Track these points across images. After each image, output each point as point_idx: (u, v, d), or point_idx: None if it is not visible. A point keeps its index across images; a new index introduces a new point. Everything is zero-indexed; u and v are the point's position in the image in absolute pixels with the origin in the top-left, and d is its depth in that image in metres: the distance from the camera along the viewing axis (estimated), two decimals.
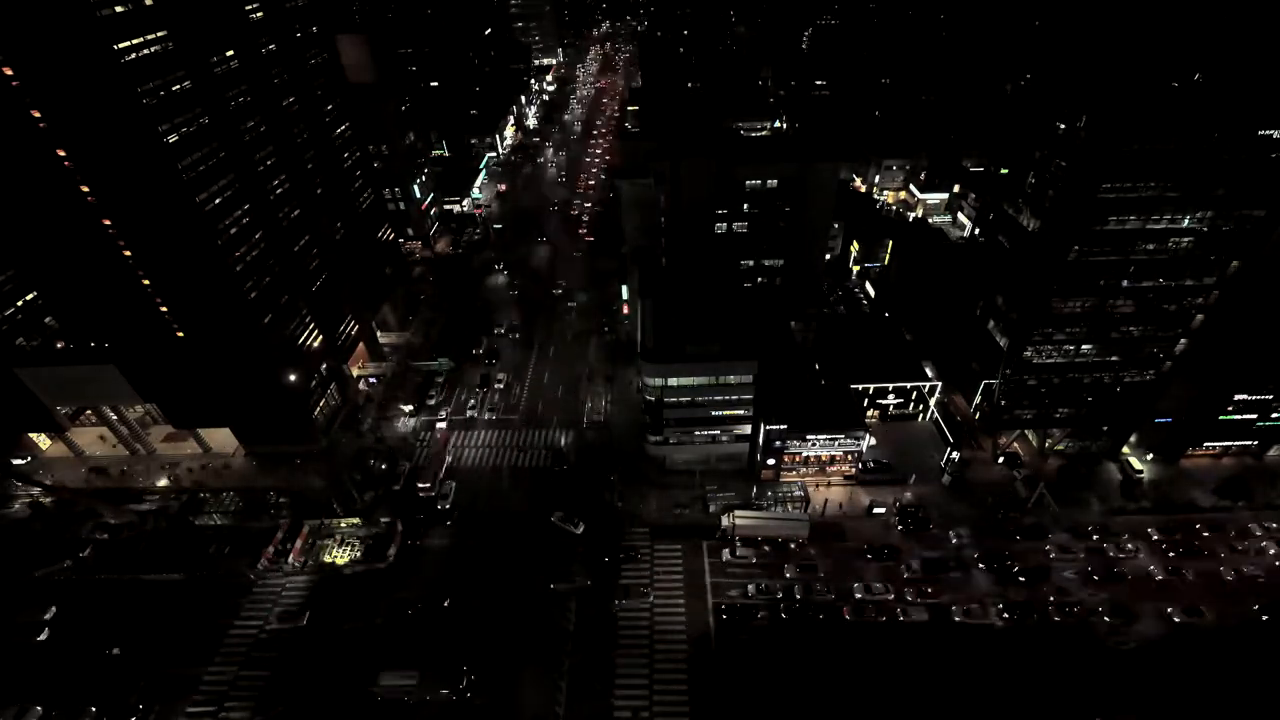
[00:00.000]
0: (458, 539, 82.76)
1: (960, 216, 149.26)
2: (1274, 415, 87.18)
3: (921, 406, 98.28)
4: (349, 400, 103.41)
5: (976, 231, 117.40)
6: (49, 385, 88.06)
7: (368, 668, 68.16)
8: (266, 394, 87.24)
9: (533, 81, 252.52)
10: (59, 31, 59.79)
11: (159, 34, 67.04)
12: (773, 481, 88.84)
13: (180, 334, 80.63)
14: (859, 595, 74.99)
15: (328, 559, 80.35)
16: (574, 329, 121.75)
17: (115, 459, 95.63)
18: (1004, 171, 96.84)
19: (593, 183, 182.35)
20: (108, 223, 71.71)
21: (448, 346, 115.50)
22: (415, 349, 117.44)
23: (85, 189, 69.06)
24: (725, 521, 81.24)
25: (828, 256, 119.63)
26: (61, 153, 66.64)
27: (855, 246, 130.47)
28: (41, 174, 67.79)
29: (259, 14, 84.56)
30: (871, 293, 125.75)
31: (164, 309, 78.72)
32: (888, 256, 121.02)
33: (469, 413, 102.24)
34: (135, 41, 64.16)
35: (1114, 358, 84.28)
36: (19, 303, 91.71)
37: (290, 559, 79.84)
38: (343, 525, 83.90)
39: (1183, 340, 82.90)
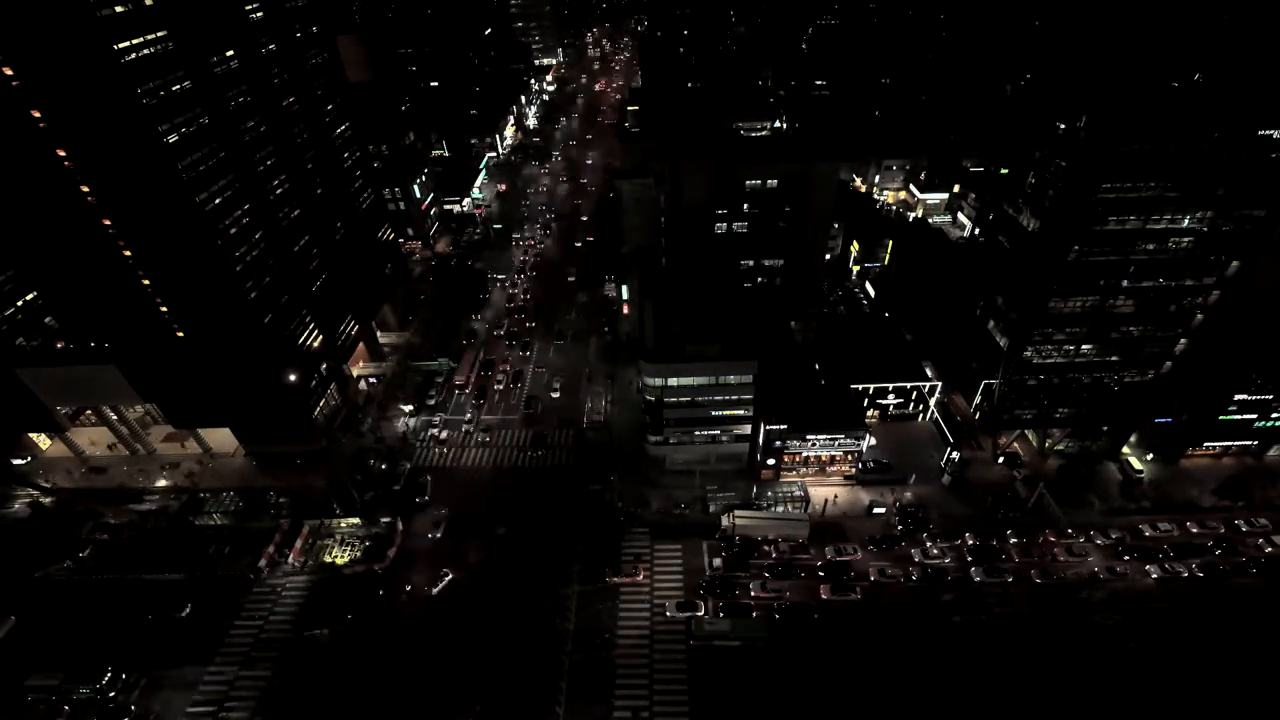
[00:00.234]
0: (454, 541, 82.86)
1: (960, 216, 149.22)
2: (1274, 415, 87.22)
3: (921, 406, 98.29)
4: (349, 400, 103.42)
5: (976, 231, 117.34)
6: (49, 385, 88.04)
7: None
8: (266, 394, 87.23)
9: (533, 81, 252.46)
10: (59, 31, 59.78)
11: (159, 34, 67.04)
12: (773, 481, 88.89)
13: (180, 334, 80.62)
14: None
15: (328, 559, 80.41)
16: (574, 328, 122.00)
17: (115, 459, 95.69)
18: (1004, 171, 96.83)
19: (591, 187, 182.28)
20: (108, 223, 71.69)
21: (447, 347, 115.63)
22: (415, 349, 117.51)
23: (85, 189, 69.05)
24: (725, 521, 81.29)
25: (828, 256, 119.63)
26: (61, 153, 66.61)
27: (855, 246, 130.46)
28: (41, 174, 67.78)
29: (259, 14, 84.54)
30: (871, 293, 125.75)
31: (164, 309, 78.71)
32: (888, 256, 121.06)
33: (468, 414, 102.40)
34: (135, 41, 64.14)
35: (1114, 358, 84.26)
36: (19, 303, 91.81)
37: (290, 559, 79.89)
38: (343, 525, 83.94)
39: (1183, 340, 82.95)
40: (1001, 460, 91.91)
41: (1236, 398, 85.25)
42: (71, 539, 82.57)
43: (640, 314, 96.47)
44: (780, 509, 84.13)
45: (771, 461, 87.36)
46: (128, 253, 74.07)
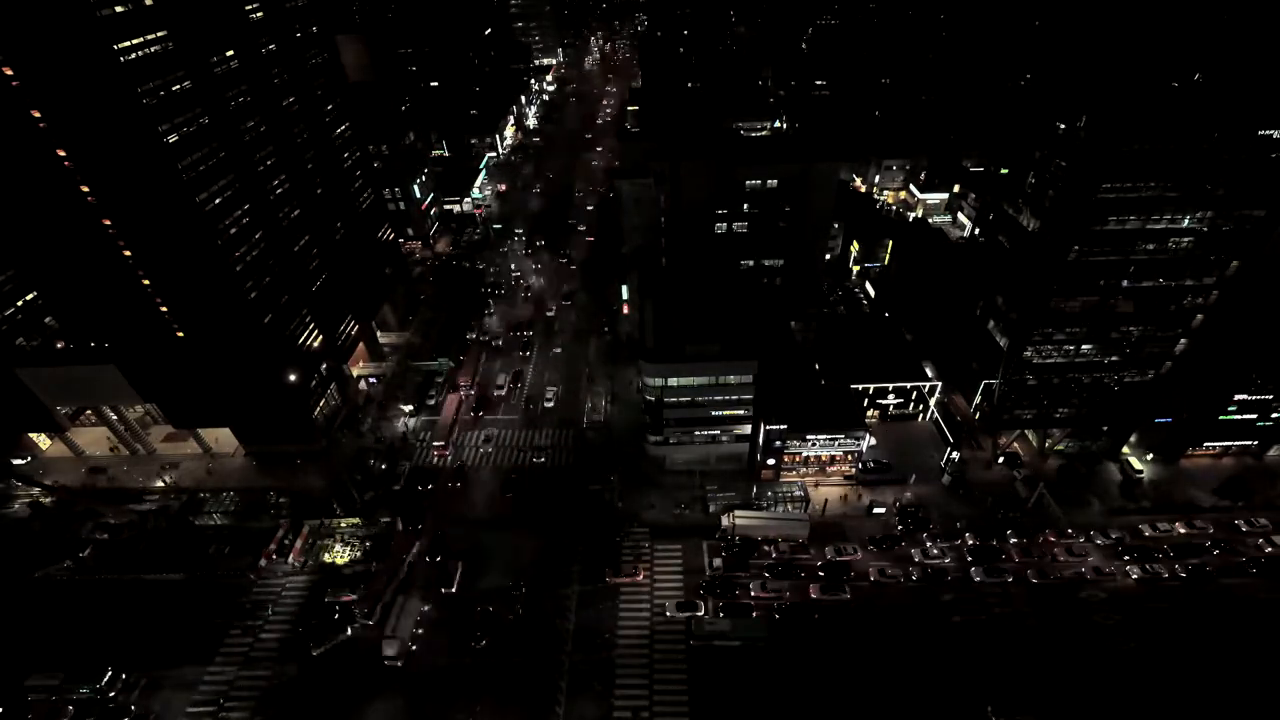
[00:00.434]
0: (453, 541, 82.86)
1: (960, 216, 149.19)
2: (1274, 415, 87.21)
3: (921, 406, 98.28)
4: (349, 400, 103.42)
5: (976, 231, 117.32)
6: (49, 385, 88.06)
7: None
8: (266, 394, 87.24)
9: (533, 81, 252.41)
10: (59, 31, 59.79)
11: (159, 34, 67.05)
12: (773, 481, 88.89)
13: (180, 334, 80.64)
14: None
15: (328, 559, 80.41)
16: (574, 328, 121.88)
17: (115, 459, 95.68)
18: (1004, 171, 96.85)
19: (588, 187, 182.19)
20: (108, 223, 71.72)
21: (447, 346, 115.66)
22: (415, 349, 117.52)
23: (85, 189, 69.08)
24: (725, 521, 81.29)
25: (828, 256, 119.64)
26: (61, 153, 66.64)
27: (855, 246, 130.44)
28: (41, 174, 67.80)
29: (259, 14, 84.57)
30: (871, 293, 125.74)
31: (164, 309, 78.74)
32: (888, 256, 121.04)
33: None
34: (135, 41, 64.17)
35: (1114, 358, 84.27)
36: (19, 303, 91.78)
37: (290, 559, 79.89)
38: (343, 525, 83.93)
39: (1183, 340, 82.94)
40: (1001, 460, 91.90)
41: (1236, 397, 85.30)
42: (71, 539, 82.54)
43: (640, 314, 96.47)
44: (780, 509, 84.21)
45: (771, 461, 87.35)
46: (128, 253, 74.10)
